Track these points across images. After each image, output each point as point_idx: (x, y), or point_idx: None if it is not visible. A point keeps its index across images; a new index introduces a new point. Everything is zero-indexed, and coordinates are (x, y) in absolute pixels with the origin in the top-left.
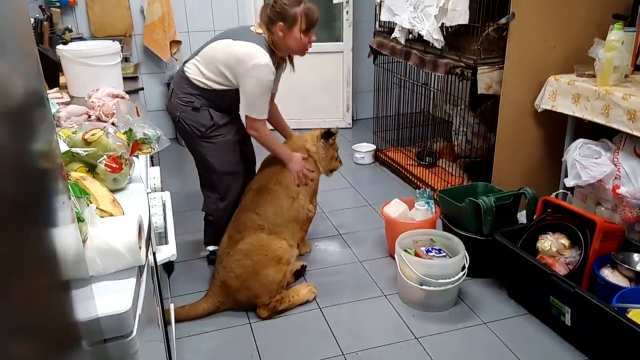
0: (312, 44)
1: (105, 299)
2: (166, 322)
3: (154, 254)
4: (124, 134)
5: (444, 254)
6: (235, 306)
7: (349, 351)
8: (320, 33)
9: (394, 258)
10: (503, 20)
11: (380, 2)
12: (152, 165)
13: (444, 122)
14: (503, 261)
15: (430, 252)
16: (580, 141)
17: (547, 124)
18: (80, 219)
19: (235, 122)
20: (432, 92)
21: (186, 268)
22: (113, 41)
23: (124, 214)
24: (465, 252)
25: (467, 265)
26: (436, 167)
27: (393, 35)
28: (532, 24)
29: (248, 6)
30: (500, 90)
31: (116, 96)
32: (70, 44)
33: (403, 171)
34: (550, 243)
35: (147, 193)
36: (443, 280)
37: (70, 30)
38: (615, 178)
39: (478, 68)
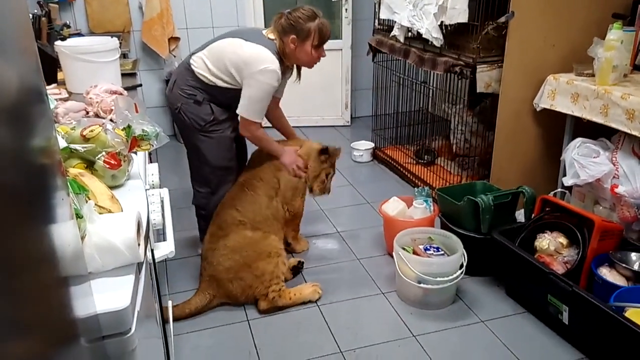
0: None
1: (104, 296)
2: (164, 319)
3: (152, 250)
4: (122, 130)
5: (442, 252)
6: (231, 300)
7: (346, 349)
8: None
9: (392, 256)
10: (502, 19)
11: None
12: (151, 161)
13: (442, 121)
14: (501, 259)
15: (429, 250)
16: (578, 140)
17: (545, 122)
18: (78, 216)
19: (234, 119)
20: (431, 90)
21: (183, 265)
22: (111, 37)
23: (122, 211)
24: (464, 250)
25: (465, 264)
26: (434, 165)
27: (392, 33)
28: (531, 23)
29: (247, 3)
30: (499, 89)
31: (114, 92)
32: (68, 40)
33: (401, 169)
34: (548, 242)
35: (146, 190)
36: (441, 279)
37: (69, 26)
38: (614, 177)
39: (477, 66)
